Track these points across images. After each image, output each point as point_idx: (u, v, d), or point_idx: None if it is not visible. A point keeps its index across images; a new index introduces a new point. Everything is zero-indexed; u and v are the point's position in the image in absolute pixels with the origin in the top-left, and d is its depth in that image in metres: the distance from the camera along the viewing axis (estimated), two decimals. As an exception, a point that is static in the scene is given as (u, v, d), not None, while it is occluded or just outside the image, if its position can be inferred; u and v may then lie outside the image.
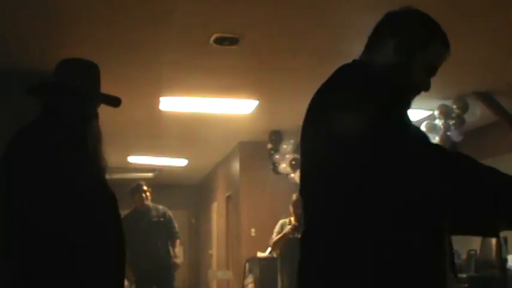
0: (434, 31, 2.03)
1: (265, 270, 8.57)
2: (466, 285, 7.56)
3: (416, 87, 2.04)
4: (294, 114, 8.49)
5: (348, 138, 1.80)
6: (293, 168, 8.67)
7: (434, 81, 2.07)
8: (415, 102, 2.05)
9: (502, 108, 7.38)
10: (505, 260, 7.62)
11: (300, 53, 5.84)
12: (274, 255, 6.18)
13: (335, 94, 1.93)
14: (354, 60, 2.08)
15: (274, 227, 9.79)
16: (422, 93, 2.05)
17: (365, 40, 2.09)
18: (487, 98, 7.25)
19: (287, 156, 8.86)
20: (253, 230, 10.13)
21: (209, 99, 6.99)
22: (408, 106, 2.03)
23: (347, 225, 1.81)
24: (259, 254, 8.94)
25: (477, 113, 7.57)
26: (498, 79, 6.78)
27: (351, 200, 1.81)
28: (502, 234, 7.89)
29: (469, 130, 8.13)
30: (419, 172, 1.79)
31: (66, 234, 2.37)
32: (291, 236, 5.96)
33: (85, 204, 2.45)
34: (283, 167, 8.87)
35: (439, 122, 7.50)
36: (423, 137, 1.91)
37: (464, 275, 7.84)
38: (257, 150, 9.87)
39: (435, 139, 7.50)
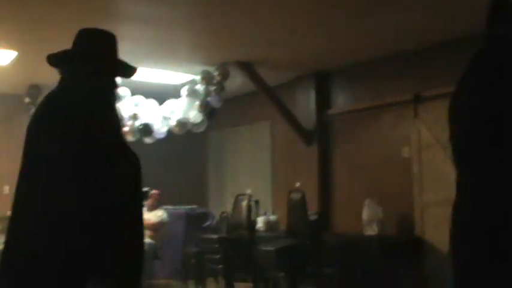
0: None
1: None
2: (216, 245, 7.92)
3: None
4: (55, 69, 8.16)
5: None
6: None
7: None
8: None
9: (260, 79, 7.77)
10: (254, 222, 8.09)
11: (64, 4, 5.57)
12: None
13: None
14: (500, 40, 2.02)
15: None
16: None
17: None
18: (248, 68, 7.58)
19: (46, 111, 8.52)
20: (7, 188, 9.63)
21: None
22: None
23: None
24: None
25: (238, 81, 7.88)
26: (259, 51, 7.12)
27: None
28: (254, 197, 8.27)
29: (229, 97, 8.46)
30: None
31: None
32: None
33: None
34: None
35: (200, 88, 7.69)
36: None
37: (215, 236, 8.21)
38: (14, 103, 9.37)
39: (195, 104, 7.68)
